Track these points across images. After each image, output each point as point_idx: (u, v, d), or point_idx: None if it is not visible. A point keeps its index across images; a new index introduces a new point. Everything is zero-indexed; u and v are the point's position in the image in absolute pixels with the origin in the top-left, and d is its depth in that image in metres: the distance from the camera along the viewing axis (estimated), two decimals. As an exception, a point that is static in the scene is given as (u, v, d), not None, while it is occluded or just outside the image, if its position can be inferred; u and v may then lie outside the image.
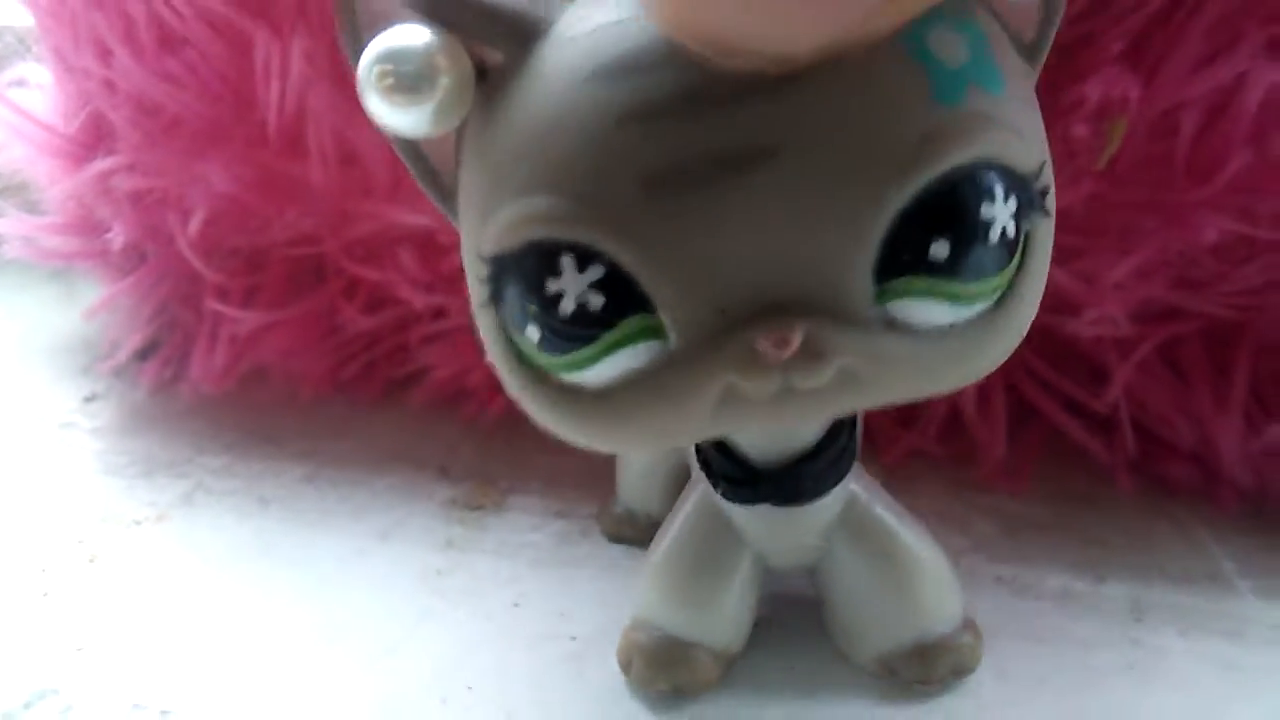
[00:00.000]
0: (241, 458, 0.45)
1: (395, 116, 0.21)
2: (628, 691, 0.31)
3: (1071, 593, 0.34)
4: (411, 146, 0.25)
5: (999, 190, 0.20)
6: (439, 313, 0.44)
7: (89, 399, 0.50)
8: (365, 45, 0.21)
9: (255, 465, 0.44)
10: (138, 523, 0.40)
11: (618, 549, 0.37)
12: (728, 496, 0.28)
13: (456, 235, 0.24)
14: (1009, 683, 0.31)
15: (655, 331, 0.21)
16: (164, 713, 0.31)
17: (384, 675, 0.32)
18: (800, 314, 0.20)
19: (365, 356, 0.47)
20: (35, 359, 0.54)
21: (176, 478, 0.43)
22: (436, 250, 0.41)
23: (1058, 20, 0.23)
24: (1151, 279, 0.35)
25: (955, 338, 0.21)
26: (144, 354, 0.49)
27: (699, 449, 0.29)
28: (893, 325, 0.21)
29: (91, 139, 0.44)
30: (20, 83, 0.46)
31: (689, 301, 0.20)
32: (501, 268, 0.22)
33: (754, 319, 0.20)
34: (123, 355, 0.48)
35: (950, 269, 0.20)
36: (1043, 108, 0.23)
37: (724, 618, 0.31)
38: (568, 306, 0.21)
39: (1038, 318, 0.23)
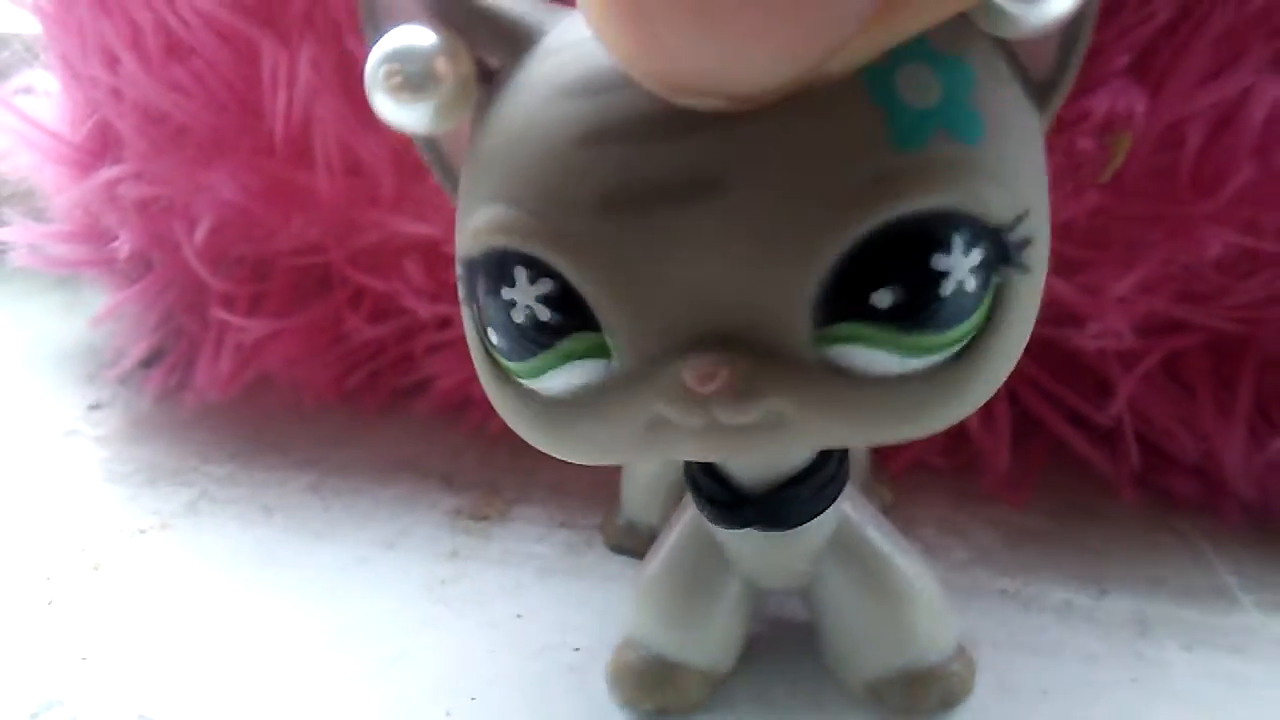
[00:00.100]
0: (246, 466, 0.45)
1: (400, 114, 0.21)
2: (629, 704, 0.31)
3: (1074, 606, 0.34)
4: (429, 141, 0.25)
5: (958, 241, 0.19)
6: (444, 322, 0.44)
7: (93, 407, 0.50)
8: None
9: (260, 474, 0.44)
10: (142, 531, 0.40)
11: (621, 560, 0.37)
12: (713, 520, 0.28)
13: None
14: (1011, 695, 0.31)
15: (602, 350, 0.21)
16: (168, 722, 0.31)
17: (388, 685, 0.32)
18: (736, 349, 0.20)
19: (370, 366, 0.47)
20: (40, 366, 0.55)
21: (181, 486, 0.43)
22: (442, 260, 0.41)
23: (1077, 61, 0.22)
24: (1156, 292, 0.35)
25: (906, 389, 0.21)
26: (149, 362, 0.49)
27: (687, 469, 0.28)
28: (834, 370, 0.20)
29: (98, 147, 0.44)
30: (27, 90, 0.46)
31: (631, 325, 0.20)
32: (471, 270, 0.22)
33: (692, 349, 0.20)
34: (128, 363, 0.48)
35: (894, 319, 0.20)
36: (1047, 120, 0.23)
37: (713, 639, 0.31)
38: (518, 316, 0.21)
39: (1042, 330, 0.22)
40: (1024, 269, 0.21)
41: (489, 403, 0.24)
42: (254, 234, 0.43)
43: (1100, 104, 0.31)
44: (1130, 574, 0.36)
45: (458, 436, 0.46)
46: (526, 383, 0.22)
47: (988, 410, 0.39)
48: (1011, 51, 0.21)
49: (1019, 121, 0.21)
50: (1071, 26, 0.21)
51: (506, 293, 0.21)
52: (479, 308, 0.22)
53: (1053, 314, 0.32)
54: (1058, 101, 0.22)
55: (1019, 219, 0.20)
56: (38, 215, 0.46)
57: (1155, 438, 0.38)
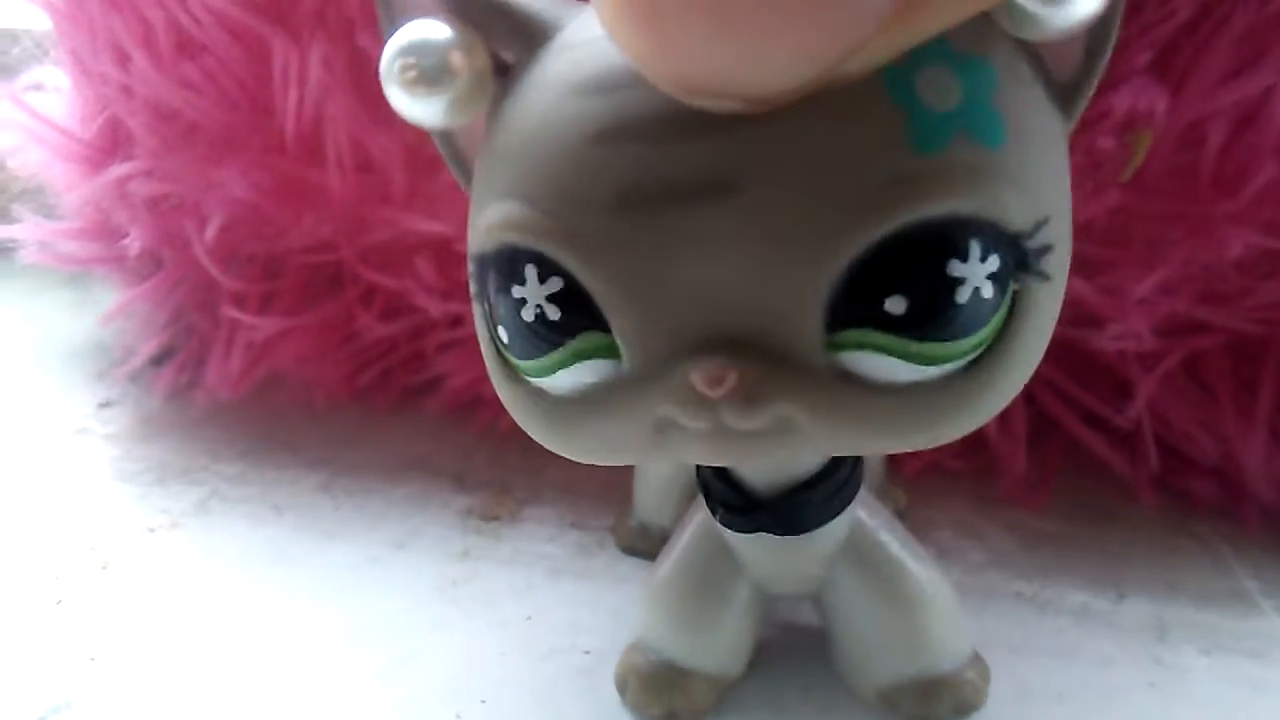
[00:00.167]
0: (256, 465, 0.45)
1: (415, 108, 0.21)
2: (640, 707, 0.31)
3: (1092, 609, 0.34)
4: (444, 135, 0.25)
5: (975, 249, 0.19)
6: (455, 320, 0.44)
7: (104, 405, 0.50)
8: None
9: (270, 473, 0.44)
10: (151, 530, 0.40)
11: (633, 562, 0.37)
12: (725, 524, 0.28)
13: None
14: (1028, 700, 0.30)
15: (611, 350, 0.21)
16: (176, 725, 0.31)
17: (398, 686, 0.32)
18: (746, 353, 0.19)
19: (381, 364, 0.47)
20: (50, 364, 0.55)
21: (191, 485, 0.43)
22: (453, 258, 0.41)
23: (1102, 63, 0.21)
24: (1176, 293, 0.35)
25: (918, 397, 0.20)
26: (159, 360, 0.49)
27: (699, 472, 0.28)
28: (846, 377, 0.20)
29: (109, 144, 0.44)
30: (38, 86, 0.46)
31: (640, 326, 0.20)
32: (482, 266, 0.22)
33: (701, 352, 0.20)
34: (138, 361, 0.48)
35: (907, 326, 0.19)
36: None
37: (722, 644, 0.30)
38: (528, 315, 0.21)
39: (1061, 331, 0.22)
40: (1043, 276, 0.20)
41: (500, 402, 0.24)
42: (265, 232, 0.43)
43: (1121, 102, 0.31)
44: (1149, 578, 0.35)
45: (469, 436, 0.46)
46: (535, 381, 0.22)
47: (1005, 413, 0.38)
48: (1035, 53, 0.21)
49: (1041, 125, 0.21)
50: (1097, 28, 0.20)
51: (517, 290, 0.21)
52: (490, 304, 0.22)
53: (1072, 315, 0.32)
54: (1082, 104, 0.22)
55: (1039, 225, 0.20)
56: (48, 212, 0.46)
57: (1175, 440, 0.38)
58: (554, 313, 0.21)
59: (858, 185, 0.18)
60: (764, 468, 0.26)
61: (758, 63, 0.17)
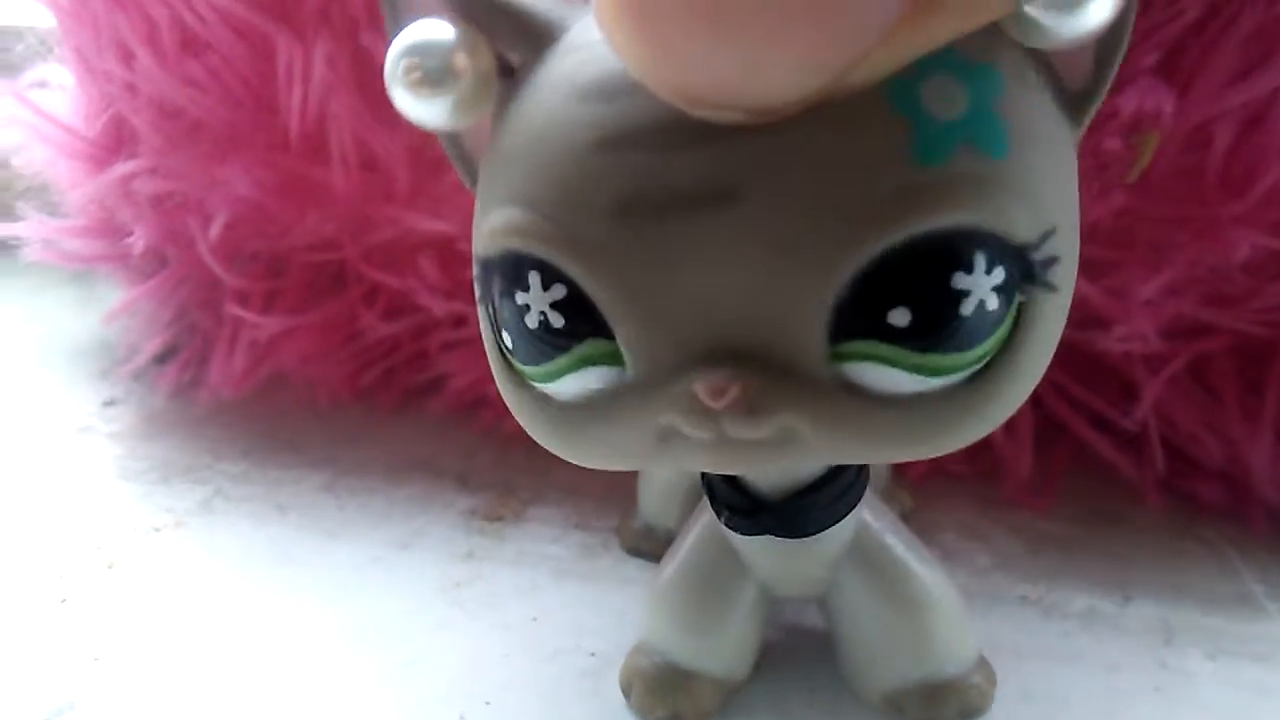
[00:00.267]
0: (260, 464, 0.44)
1: (420, 109, 0.21)
2: (644, 710, 0.31)
3: (1098, 613, 0.34)
4: (450, 136, 0.25)
5: (980, 261, 0.19)
6: (459, 320, 0.43)
7: (107, 403, 0.50)
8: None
9: (274, 472, 0.44)
10: (156, 529, 0.40)
11: (637, 563, 0.37)
12: (730, 526, 0.27)
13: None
14: (1033, 704, 0.30)
15: (615, 357, 0.21)
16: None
17: (401, 688, 0.32)
18: (749, 364, 0.19)
19: (385, 363, 0.47)
20: (54, 362, 0.55)
21: (195, 484, 0.43)
22: (457, 257, 0.41)
23: (1113, 72, 0.21)
24: (1182, 295, 0.35)
25: (922, 408, 0.20)
26: (163, 359, 0.49)
27: (704, 474, 0.28)
28: (849, 388, 0.20)
29: (113, 142, 0.44)
30: (42, 84, 0.46)
31: (643, 335, 0.20)
32: (487, 270, 0.22)
33: (705, 361, 0.20)
34: (142, 360, 0.48)
35: (911, 338, 0.19)
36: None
37: (727, 647, 0.30)
38: (531, 321, 0.21)
39: (1066, 333, 0.21)
40: (1050, 288, 0.20)
41: (503, 402, 0.24)
42: (269, 230, 0.43)
43: (1128, 103, 0.31)
44: (1155, 581, 0.35)
45: (472, 436, 0.46)
46: (540, 386, 0.22)
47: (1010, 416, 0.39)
48: (1045, 61, 0.20)
49: (1049, 133, 0.20)
50: (1108, 38, 0.20)
51: (520, 297, 0.21)
52: (494, 309, 0.22)
53: (1078, 317, 0.32)
54: (1092, 113, 0.21)
55: (1046, 236, 0.20)
56: (52, 210, 0.46)
57: (1181, 443, 0.38)
58: (557, 320, 0.21)
59: (861, 197, 0.18)
60: (770, 471, 0.26)
61: (759, 73, 0.17)
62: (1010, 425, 0.39)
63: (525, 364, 0.22)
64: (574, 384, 0.21)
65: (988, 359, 0.20)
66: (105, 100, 0.43)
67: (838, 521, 0.27)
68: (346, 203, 0.41)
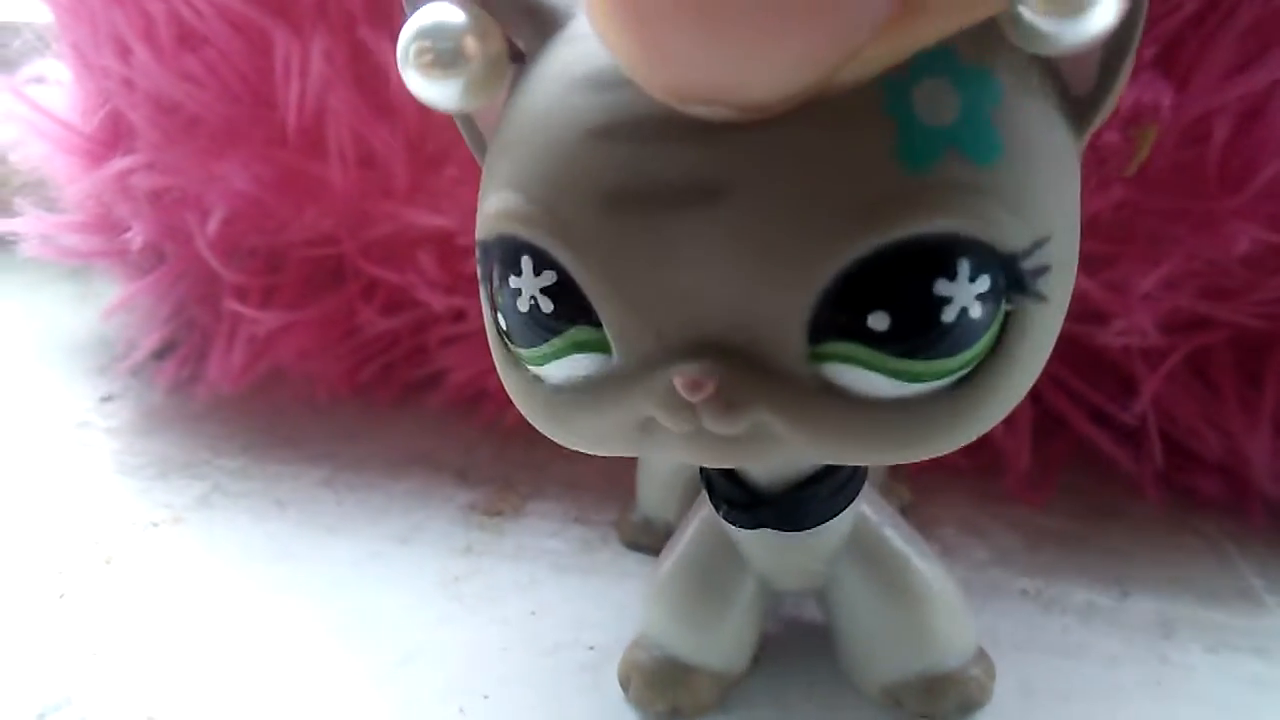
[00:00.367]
0: (258, 460, 0.44)
1: (431, 91, 0.21)
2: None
3: (1097, 607, 0.34)
4: (465, 118, 0.25)
5: (964, 268, 0.19)
6: (458, 315, 0.43)
7: (105, 399, 0.50)
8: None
9: (272, 467, 0.44)
10: (154, 524, 0.40)
11: (636, 557, 0.37)
12: (729, 519, 0.27)
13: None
14: (1033, 697, 0.30)
15: (603, 345, 0.21)
16: (178, 723, 0.31)
17: (401, 682, 0.32)
18: (729, 359, 0.19)
19: (384, 358, 0.47)
20: (52, 358, 0.55)
21: (193, 479, 0.43)
22: (455, 252, 0.41)
23: (1120, 78, 0.20)
24: (1181, 288, 0.35)
25: (902, 413, 0.20)
26: (161, 354, 0.49)
27: (703, 468, 0.28)
28: (827, 388, 0.20)
29: (110, 137, 0.44)
30: (39, 80, 0.46)
31: (628, 324, 0.20)
32: (486, 253, 0.22)
33: (686, 354, 0.20)
34: (140, 355, 0.48)
35: (890, 342, 0.19)
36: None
37: (726, 640, 0.30)
38: (523, 305, 0.21)
39: (1065, 327, 0.21)
40: (1039, 298, 0.20)
41: (503, 396, 0.24)
42: (267, 225, 0.43)
43: (1126, 96, 0.31)
44: (1154, 575, 0.35)
45: (472, 431, 0.46)
46: (533, 369, 0.22)
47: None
48: (1050, 65, 0.20)
49: (1048, 140, 0.20)
50: (1113, 43, 0.20)
51: (514, 281, 0.21)
52: (493, 291, 0.22)
53: (1076, 311, 0.32)
54: (1098, 119, 0.21)
55: (1037, 245, 0.19)
56: (49, 206, 0.46)
57: (1180, 436, 0.38)
58: (547, 305, 0.21)
59: (844, 198, 0.18)
60: (767, 465, 0.26)
61: (749, 70, 0.17)
62: (1009, 420, 0.38)
63: (519, 346, 0.22)
64: (564, 368, 0.22)
65: (973, 366, 0.20)
66: (102, 95, 0.43)
67: (836, 515, 0.27)
68: (344, 198, 0.41)
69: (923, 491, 0.39)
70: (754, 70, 0.17)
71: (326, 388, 0.47)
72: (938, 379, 0.20)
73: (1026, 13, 0.18)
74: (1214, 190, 0.33)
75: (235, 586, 0.36)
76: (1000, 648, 0.31)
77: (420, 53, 0.21)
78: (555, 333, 0.21)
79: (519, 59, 0.22)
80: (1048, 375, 0.38)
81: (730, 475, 0.27)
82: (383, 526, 0.40)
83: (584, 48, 0.20)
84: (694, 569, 0.30)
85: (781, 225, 0.18)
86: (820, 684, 0.31)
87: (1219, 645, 0.32)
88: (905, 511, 0.37)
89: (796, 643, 0.32)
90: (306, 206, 0.41)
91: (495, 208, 0.21)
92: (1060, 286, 0.20)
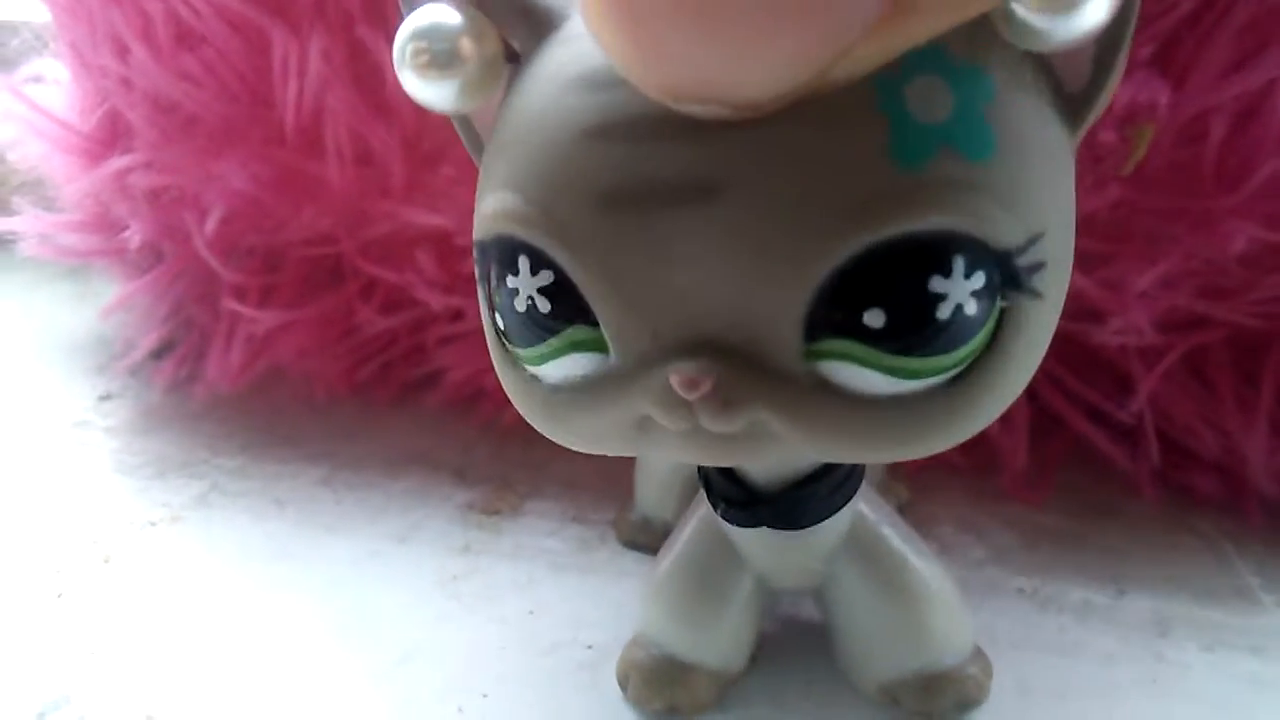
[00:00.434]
0: (257, 459, 0.44)
1: (427, 91, 0.21)
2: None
3: (1093, 606, 0.34)
4: (462, 119, 0.25)
5: (959, 265, 0.19)
6: (456, 314, 0.43)
7: (104, 398, 0.50)
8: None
9: (270, 467, 0.44)
10: (152, 524, 0.40)
11: (634, 556, 0.37)
12: (727, 518, 0.27)
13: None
14: (1030, 696, 0.30)
15: (600, 344, 0.21)
16: (176, 722, 0.31)
17: (399, 681, 0.32)
18: (726, 358, 0.19)
19: (382, 357, 0.47)
20: (50, 357, 0.55)
21: (191, 478, 0.43)
22: (453, 251, 0.41)
23: (1113, 75, 0.20)
24: (1178, 287, 0.35)
25: (899, 409, 0.20)
26: (159, 353, 0.49)
27: (700, 467, 0.28)
28: (824, 385, 0.20)
29: (108, 136, 0.44)
30: (37, 79, 0.46)
31: (624, 324, 0.20)
32: (483, 253, 0.22)
33: (682, 354, 0.20)
34: (138, 354, 0.48)
35: (886, 340, 0.19)
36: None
37: (724, 639, 0.30)
38: (520, 305, 0.21)
39: (1062, 325, 0.21)
40: (1034, 294, 0.20)
41: (501, 396, 0.24)
42: (265, 224, 0.43)
43: (1122, 95, 0.31)
44: (1150, 574, 0.35)
45: (470, 430, 0.46)
46: (530, 369, 0.23)
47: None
48: (1044, 62, 0.20)
49: (1042, 137, 0.20)
50: (1106, 40, 0.20)
51: (511, 280, 0.21)
52: (490, 291, 0.22)
53: (1073, 309, 0.32)
54: (1092, 116, 0.21)
55: (1031, 242, 0.19)
56: (48, 205, 0.46)
57: (1176, 435, 0.38)
58: (544, 305, 0.21)
59: (838, 196, 0.18)
60: (765, 464, 0.26)
61: (742, 69, 0.17)
62: (1006, 418, 0.38)
63: (516, 346, 0.22)
64: (561, 368, 0.22)
65: (968, 363, 0.20)
66: (100, 95, 0.43)
67: (834, 513, 0.27)
68: (342, 197, 0.41)
69: (920, 490, 0.39)
70: (747, 69, 0.17)
71: (325, 387, 0.47)
72: (934, 376, 0.20)
73: (1019, 9, 0.18)
74: (1211, 189, 0.33)
75: (234, 585, 0.36)
76: (997, 646, 0.31)
77: (416, 54, 0.21)
78: (553, 332, 0.21)
79: (514, 60, 0.22)
80: (1044, 374, 0.38)
81: (728, 474, 0.27)
82: (381, 525, 0.40)
83: (579, 48, 0.20)
84: (692, 568, 0.30)
85: (776, 223, 0.18)
86: (818, 682, 0.31)
87: (1215, 644, 0.32)
88: (903, 510, 0.37)
89: (794, 641, 0.32)
90: (304, 206, 0.41)
91: (492, 208, 0.21)
92: (1055, 283, 0.20)
